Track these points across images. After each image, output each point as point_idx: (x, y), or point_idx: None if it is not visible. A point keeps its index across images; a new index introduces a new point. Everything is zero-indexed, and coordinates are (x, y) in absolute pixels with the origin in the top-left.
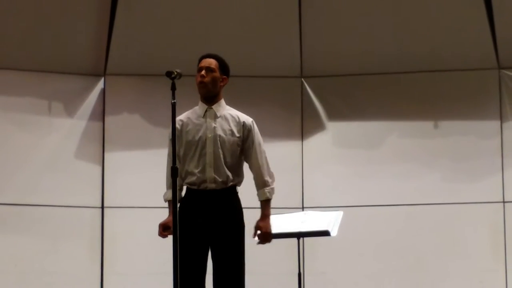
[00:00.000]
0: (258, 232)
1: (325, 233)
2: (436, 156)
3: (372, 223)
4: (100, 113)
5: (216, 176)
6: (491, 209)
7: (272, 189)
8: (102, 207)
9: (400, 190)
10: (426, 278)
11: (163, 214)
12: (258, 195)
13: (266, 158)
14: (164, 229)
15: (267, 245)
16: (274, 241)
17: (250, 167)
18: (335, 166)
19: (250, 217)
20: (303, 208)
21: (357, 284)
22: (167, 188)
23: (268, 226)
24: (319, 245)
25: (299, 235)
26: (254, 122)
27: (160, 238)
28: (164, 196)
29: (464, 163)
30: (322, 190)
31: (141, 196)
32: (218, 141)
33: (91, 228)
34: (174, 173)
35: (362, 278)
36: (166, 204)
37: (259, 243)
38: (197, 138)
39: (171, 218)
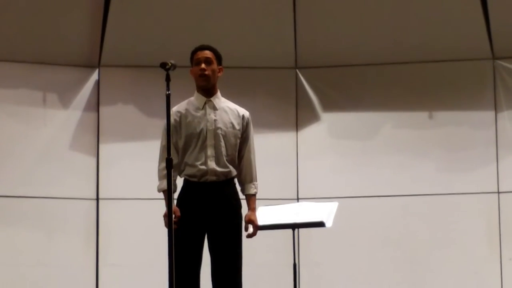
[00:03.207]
0: (250, 225)
1: (320, 224)
2: (431, 147)
3: (367, 213)
4: (95, 104)
5: (218, 169)
6: (486, 200)
7: (257, 185)
8: (97, 199)
9: (395, 181)
10: (421, 268)
11: (158, 206)
12: (247, 188)
13: (255, 154)
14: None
15: (262, 236)
16: (269, 232)
17: (240, 160)
18: (330, 157)
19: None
20: (298, 199)
21: (352, 275)
22: (160, 179)
23: (257, 219)
24: (314, 236)
25: (294, 226)
26: (250, 115)
27: (155, 229)
28: (158, 186)
29: (459, 154)
30: (317, 181)
31: (136, 187)
32: (220, 134)
33: (86, 220)
34: (168, 164)
35: (357, 268)
36: (161, 196)
37: (248, 236)
38: (198, 130)
39: (172, 206)
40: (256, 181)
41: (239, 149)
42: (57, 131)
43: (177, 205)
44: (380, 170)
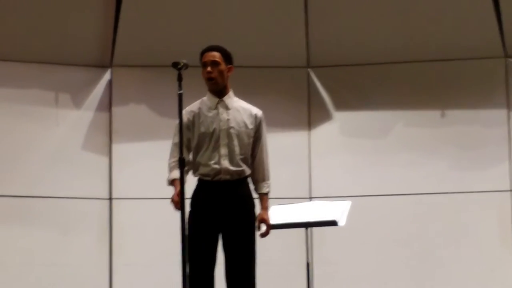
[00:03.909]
0: (262, 225)
1: (333, 223)
2: (443, 145)
3: (380, 212)
4: (107, 104)
5: (231, 168)
6: (498, 198)
7: (270, 184)
8: (110, 199)
9: (408, 180)
10: (435, 267)
11: (171, 205)
12: (259, 187)
13: (268, 153)
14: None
15: (275, 235)
16: (282, 231)
17: (253, 159)
18: (343, 156)
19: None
20: (310, 198)
21: (365, 274)
22: (170, 171)
23: (269, 218)
24: (327, 235)
25: (307, 225)
26: (263, 115)
27: (168, 228)
28: (167, 178)
29: (471, 152)
30: (330, 180)
31: (149, 187)
32: (232, 133)
33: (99, 220)
34: (181, 164)
35: (370, 267)
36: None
37: (262, 235)
38: (211, 130)
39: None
40: (269, 180)
41: (252, 148)
42: (69, 131)
43: (191, 203)
44: (392, 169)
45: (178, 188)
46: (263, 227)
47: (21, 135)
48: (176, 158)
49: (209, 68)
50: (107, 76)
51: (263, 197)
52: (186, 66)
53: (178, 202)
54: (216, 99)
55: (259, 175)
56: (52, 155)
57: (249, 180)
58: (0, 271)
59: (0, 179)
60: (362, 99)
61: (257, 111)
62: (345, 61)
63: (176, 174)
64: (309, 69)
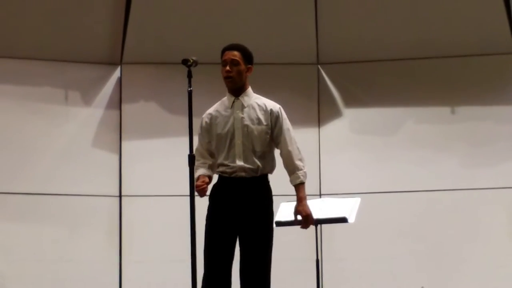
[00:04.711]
0: (299, 217)
1: (343, 220)
2: (454, 142)
3: (390, 209)
4: (117, 101)
5: (246, 165)
6: (509, 194)
7: (305, 172)
8: (120, 196)
9: (418, 176)
10: (444, 264)
11: (181, 202)
12: (291, 180)
13: (296, 143)
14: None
15: (285, 232)
16: (292, 228)
17: (280, 154)
18: (352, 153)
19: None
20: (320, 195)
21: (374, 270)
22: (195, 171)
23: (306, 209)
24: (337, 231)
25: (317, 222)
26: (281, 108)
27: (178, 225)
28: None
29: (482, 149)
30: (340, 177)
31: (159, 184)
32: (246, 131)
33: (109, 217)
34: (191, 161)
35: (380, 264)
36: (182, 193)
37: (302, 227)
38: (226, 130)
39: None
40: (300, 170)
41: (276, 143)
42: (79, 128)
43: (209, 198)
44: (403, 166)
45: (201, 179)
46: (299, 219)
47: (32, 132)
48: (200, 162)
49: (228, 67)
50: (117, 73)
51: (297, 188)
52: (196, 63)
53: (201, 188)
54: (233, 98)
55: (289, 168)
56: (62, 152)
57: (269, 176)
58: (11, 267)
59: (11, 176)
60: (371, 95)
61: (272, 106)
62: (354, 57)
63: (199, 171)
64: (319, 66)
